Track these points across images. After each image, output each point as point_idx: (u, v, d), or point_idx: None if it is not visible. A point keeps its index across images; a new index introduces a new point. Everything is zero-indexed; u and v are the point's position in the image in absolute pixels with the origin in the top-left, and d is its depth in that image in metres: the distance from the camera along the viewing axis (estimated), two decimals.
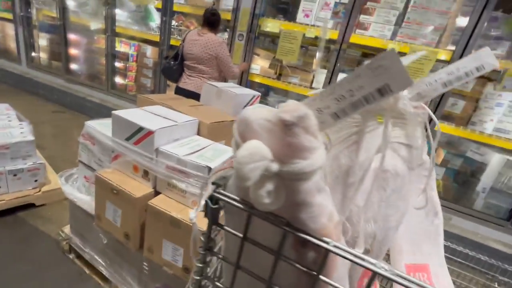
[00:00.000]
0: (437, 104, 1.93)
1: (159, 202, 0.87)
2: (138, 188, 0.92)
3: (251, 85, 2.50)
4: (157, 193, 0.94)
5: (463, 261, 1.06)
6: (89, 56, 3.24)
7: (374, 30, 2.04)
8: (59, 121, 2.78)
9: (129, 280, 1.05)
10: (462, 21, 1.81)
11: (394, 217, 0.51)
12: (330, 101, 0.26)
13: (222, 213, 0.32)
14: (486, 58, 0.40)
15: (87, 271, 1.18)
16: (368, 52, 2.37)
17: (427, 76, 0.48)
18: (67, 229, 1.25)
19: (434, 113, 1.92)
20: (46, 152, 2.06)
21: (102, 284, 1.15)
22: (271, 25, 2.30)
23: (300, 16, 2.22)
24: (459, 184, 2.12)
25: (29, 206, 1.49)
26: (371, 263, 0.24)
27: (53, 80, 3.33)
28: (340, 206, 0.43)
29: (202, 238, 0.33)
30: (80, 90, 3.17)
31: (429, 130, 0.48)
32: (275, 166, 0.24)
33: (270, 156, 0.24)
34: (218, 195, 0.30)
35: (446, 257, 0.96)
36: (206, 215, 0.32)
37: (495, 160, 1.93)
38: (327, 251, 0.26)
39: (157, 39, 2.63)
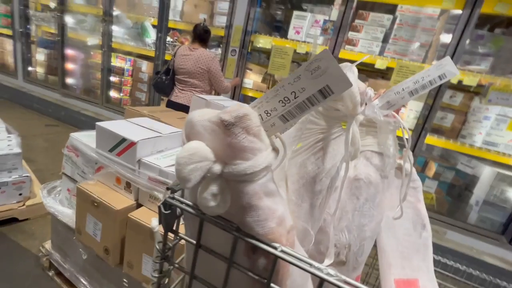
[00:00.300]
0: (426, 117, 1.95)
1: (139, 215, 0.85)
2: (119, 200, 0.90)
3: (244, 99, 2.54)
4: (139, 205, 0.92)
5: (454, 276, 1.03)
6: (85, 70, 3.29)
7: (362, 46, 2.11)
8: (51, 134, 2.77)
9: None
10: (446, 38, 1.87)
11: (368, 227, 0.50)
12: (276, 103, 0.26)
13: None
14: (447, 67, 0.41)
15: None
16: (358, 68, 2.42)
17: (395, 86, 0.49)
18: (48, 244, 1.21)
19: (423, 127, 1.95)
20: (35, 165, 2.04)
21: None
22: (263, 41, 2.37)
23: (291, 33, 2.30)
24: (452, 198, 2.10)
25: (12, 220, 1.45)
26: (318, 269, 0.24)
27: (49, 94, 3.36)
28: (308, 214, 0.42)
29: (158, 247, 0.32)
30: (75, 104, 3.19)
31: (405, 138, 0.49)
32: (217, 167, 0.23)
33: (212, 157, 0.23)
34: (170, 201, 0.29)
35: (438, 272, 0.94)
36: (160, 222, 0.31)
37: (486, 173, 1.93)
38: (276, 257, 0.25)
39: (152, 54, 2.69)
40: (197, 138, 0.24)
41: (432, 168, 2.10)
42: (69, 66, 3.30)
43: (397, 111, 0.53)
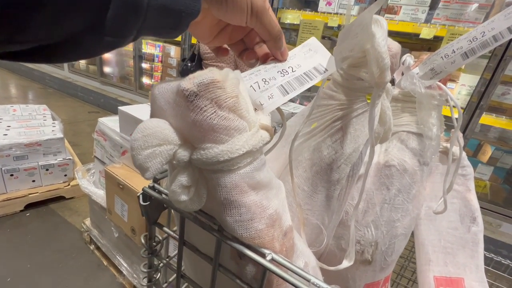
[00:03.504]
0: (482, 94, 1.67)
1: None
2: (143, 183, 0.92)
3: None
4: None
5: (510, 277, 0.89)
6: (119, 58, 3.44)
7: (405, 14, 1.84)
8: (93, 120, 2.99)
9: (139, 274, 1.06)
10: None
11: (401, 223, 0.42)
12: (275, 73, 0.20)
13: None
14: None
15: (105, 263, 1.23)
16: (400, 40, 2.15)
17: (442, 47, 0.38)
18: (88, 221, 1.32)
19: (477, 104, 1.67)
20: (79, 149, 2.22)
21: (117, 275, 1.18)
22: (291, 17, 2.20)
23: (322, 4, 2.09)
24: (511, 186, 1.82)
25: (60, 198, 1.61)
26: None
27: (90, 82, 3.60)
28: (323, 207, 0.35)
29: (143, 241, 0.29)
30: (112, 91, 3.38)
31: (454, 115, 0.39)
32: (183, 153, 0.18)
33: (176, 140, 0.18)
34: (149, 191, 0.25)
35: (490, 272, 0.81)
36: (142, 214, 0.27)
37: None
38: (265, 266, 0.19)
39: (179, 38, 2.68)
40: (160, 115, 0.19)
41: (488, 152, 1.82)
42: (106, 55, 3.47)
43: (445, 82, 0.42)
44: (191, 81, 0.16)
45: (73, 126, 2.72)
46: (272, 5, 2.19)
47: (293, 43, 2.41)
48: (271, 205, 0.21)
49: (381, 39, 0.25)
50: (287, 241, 0.22)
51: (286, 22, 2.26)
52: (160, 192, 0.25)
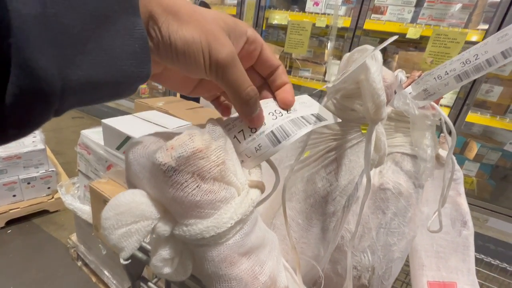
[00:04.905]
0: (468, 90, 1.70)
1: None
2: None
3: None
4: None
5: (500, 277, 0.91)
6: None
7: (391, 14, 1.85)
8: (77, 126, 2.89)
9: None
10: None
11: (397, 247, 0.41)
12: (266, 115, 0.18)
13: None
14: None
15: (94, 279, 1.19)
16: (387, 38, 2.16)
17: (435, 68, 0.37)
18: (74, 237, 1.26)
19: (464, 102, 1.71)
20: (63, 158, 2.14)
21: None
22: (279, 17, 2.18)
23: (309, 5, 2.08)
24: (497, 181, 1.88)
25: (44, 212, 1.54)
26: None
27: None
28: (319, 240, 0.34)
29: None
30: None
31: (447, 133, 0.38)
32: (164, 228, 0.16)
33: (155, 214, 0.16)
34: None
35: (480, 273, 0.83)
36: (124, 268, 0.25)
37: None
38: None
39: None
40: (137, 183, 0.17)
41: (474, 149, 1.87)
42: None
43: (437, 101, 0.41)
44: (168, 154, 0.14)
45: (56, 133, 2.62)
46: (259, 4, 2.16)
47: (281, 42, 2.39)
48: (265, 270, 0.19)
49: (376, 74, 0.23)
50: None
51: (273, 23, 2.24)
52: (142, 249, 0.22)
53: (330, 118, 0.22)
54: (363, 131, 0.31)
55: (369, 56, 0.24)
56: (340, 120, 0.24)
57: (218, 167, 0.15)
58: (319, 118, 0.21)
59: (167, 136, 0.18)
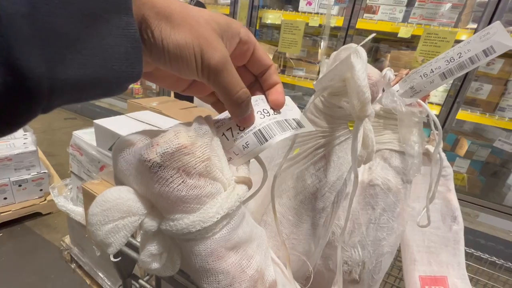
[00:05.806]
0: (459, 89, 1.73)
1: None
2: None
3: None
4: None
5: (491, 271, 0.93)
6: None
7: (383, 13, 1.87)
8: (70, 127, 2.86)
9: None
10: None
11: (387, 241, 0.42)
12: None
13: None
14: (496, 36, 0.30)
15: (88, 282, 1.18)
16: (379, 37, 2.19)
17: (421, 66, 0.38)
18: (67, 239, 1.25)
19: (454, 99, 1.74)
20: (56, 159, 2.11)
21: None
22: (272, 17, 2.19)
23: (302, 4, 2.09)
24: (487, 178, 1.92)
25: (36, 214, 1.52)
26: None
27: None
28: (310, 235, 0.34)
29: None
30: None
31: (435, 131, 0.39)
32: (151, 224, 0.16)
33: (142, 210, 0.16)
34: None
35: (470, 267, 0.84)
36: (114, 266, 0.25)
37: None
38: None
39: None
40: (123, 179, 0.17)
41: (464, 146, 1.90)
42: None
43: (424, 99, 0.42)
44: (153, 150, 0.14)
45: (48, 134, 2.59)
46: (252, 3, 2.16)
47: (275, 41, 2.40)
48: (252, 264, 0.19)
49: (360, 71, 0.24)
50: None
51: (267, 22, 2.24)
52: (132, 246, 0.23)
53: (308, 126, 0.23)
54: (350, 128, 0.31)
55: (354, 55, 0.24)
56: (315, 129, 0.25)
57: (204, 163, 0.16)
58: (299, 124, 0.22)
59: (153, 133, 0.18)
